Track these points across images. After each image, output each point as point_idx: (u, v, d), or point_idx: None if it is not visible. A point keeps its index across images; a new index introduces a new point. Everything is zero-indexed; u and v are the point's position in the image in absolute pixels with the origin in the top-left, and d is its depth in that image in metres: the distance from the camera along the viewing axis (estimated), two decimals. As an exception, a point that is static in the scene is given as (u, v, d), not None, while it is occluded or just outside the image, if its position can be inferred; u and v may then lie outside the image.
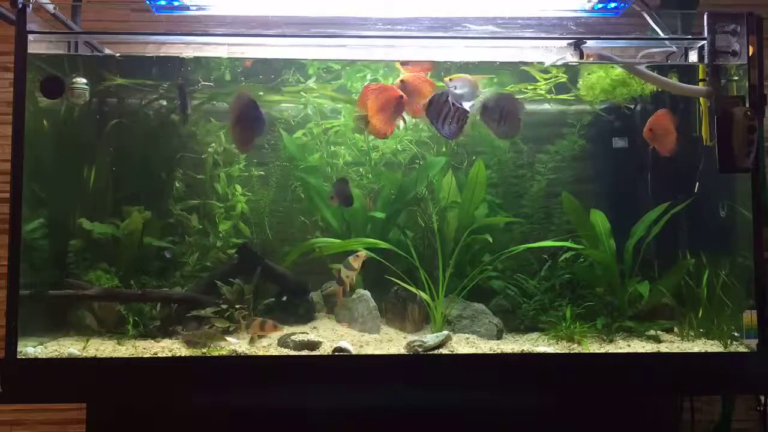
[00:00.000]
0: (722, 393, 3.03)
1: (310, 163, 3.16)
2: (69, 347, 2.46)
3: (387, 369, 2.42)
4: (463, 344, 2.59)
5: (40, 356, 2.39)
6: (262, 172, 3.19)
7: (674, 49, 2.73)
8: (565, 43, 2.60)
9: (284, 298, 2.87)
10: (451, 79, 2.60)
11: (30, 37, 2.38)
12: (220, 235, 3.06)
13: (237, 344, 2.51)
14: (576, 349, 2.56)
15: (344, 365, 2.42)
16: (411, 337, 2.59)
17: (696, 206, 2.87)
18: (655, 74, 2.73)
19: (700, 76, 2.68)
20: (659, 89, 2.93)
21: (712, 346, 2.58)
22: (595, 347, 2.58)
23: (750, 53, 2.49)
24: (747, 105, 2.48)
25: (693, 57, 2.68)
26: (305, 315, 2.91)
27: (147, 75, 3.05)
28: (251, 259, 2.88)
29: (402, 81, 2.68)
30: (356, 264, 2.65)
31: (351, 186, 2.82)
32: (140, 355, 2.42)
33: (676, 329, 2.78)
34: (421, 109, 2.57)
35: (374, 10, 2.64)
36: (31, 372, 2.34)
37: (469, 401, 2.42)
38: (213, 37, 2.71)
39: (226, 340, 2.51)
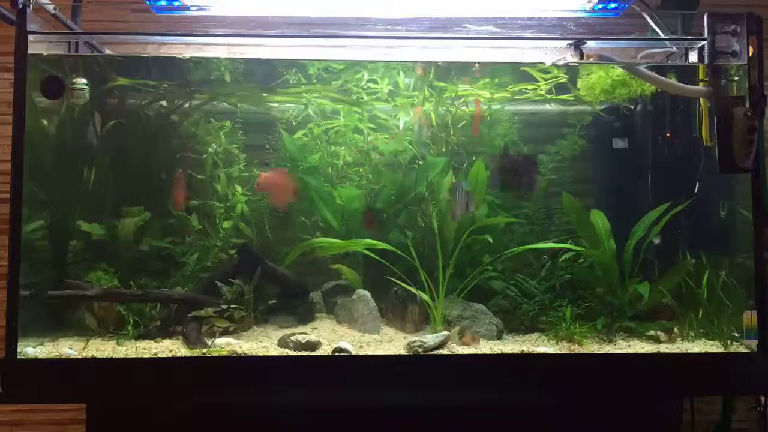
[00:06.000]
0: (722, 393, 3.03)
1: (310, 164, 3.16)
2: (69, 348, 2.46)
3: (387, 369, 2.42)
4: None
5: (40, 356, 2.39)
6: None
7: (674, 49, 2.73)
8: (565, 43, 2.60)
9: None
10: None
11: (30, 37, 2.38)
12: (221, 235, 3.06)
13: (237, 344, 2.52)
14: (576, 349, 2.56)
15: (344, 365, 2.42)
16: (411, 338, 2.59)
17: (696, 207, 2.87)
18: (655, 74, 2.73)
19: (700, 77, 2.68)
20: (659, 89, 2.93)
21: (712, 347, 2.58)
22: (595, 347, 2.58)
23: (750, 53, 2.49)
24: (747, 105, 2.48)
25: (693, 57, 2.67)
26: (305, 315, 2.91)
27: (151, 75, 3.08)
28: (251, 260, 2.87)
29: None
30: None
31: None
32: (140, 356, 2.42)
33: (676, 329, 2.77)
34: None
35: (374, 10, 2.64)
36: (31, 372, 2.35)
37: (469, 401, 2.42)
38: (213, 38, 2.71)
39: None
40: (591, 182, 3.27)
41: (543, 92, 3.13)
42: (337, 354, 2.44)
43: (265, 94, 3.19)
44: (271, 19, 2.64)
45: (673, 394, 2.68)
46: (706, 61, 2.56)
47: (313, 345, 2.50)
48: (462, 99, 3.21)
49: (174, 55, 2.78)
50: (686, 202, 2.86)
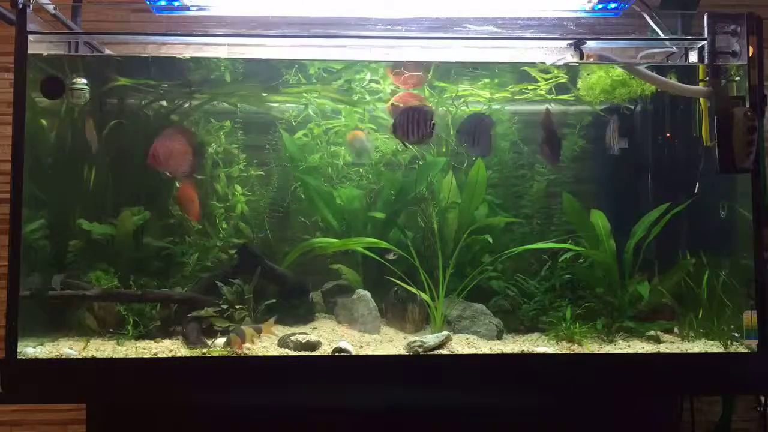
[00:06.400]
0: (722, 393, 3.03)
1: (310, 164, 3.16)
2: (69, 348, 2.46)
3: (387, 369, 2.42)
4: (463, 345, 2.59)
5: (40, 356, 2.39)
6: (261, 173, 3.20)
7: (674, 49, 2.73)
8: (565, 43, 2.60)
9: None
10: None
11: (30, 37, 2.37)
12: (221, 235, 3.06)
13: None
14: (576, 349, 2.56)
15: (344, 365, 2.42)
16: (411, 338, 2.59)
17: (696, 207, 2.87)
18: (655, 74, 2.73)
19: (700, 77, 2.68)
20: (659, 89, 2.93)
21: (712, 347, 2.58)
22: (595, 347, 2.58)
23: (750, 54, 2.49)
24: (747, 105, 2.48)
25: (693, 57, 2.68)
26: (305, 315, 2.91)
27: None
28: (251, 260, 2.87)
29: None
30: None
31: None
32: (140, 356, 2.42)
33: (676, 329, 2.78)
34: None
35: (374, 10, 2.64)
36: (31, 372, 2.34)
37: (469, 401, 2.42)
38: (213, 38, 2.71)
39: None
40: (591, 182, 3.27)
41: (543, 92, 3.13)
42: (337, 354, 2.44)
43: (265, 94, 3.19)
44: (271, 19, 2.64)
45: (673, 394, 2.68)
46: (706, 61, 2.56)
47: (313, 345, 2.50)
48: (462, 99, 3.21)
49: (174, 55, 2.78)
50: (686, 202, 2.86)
